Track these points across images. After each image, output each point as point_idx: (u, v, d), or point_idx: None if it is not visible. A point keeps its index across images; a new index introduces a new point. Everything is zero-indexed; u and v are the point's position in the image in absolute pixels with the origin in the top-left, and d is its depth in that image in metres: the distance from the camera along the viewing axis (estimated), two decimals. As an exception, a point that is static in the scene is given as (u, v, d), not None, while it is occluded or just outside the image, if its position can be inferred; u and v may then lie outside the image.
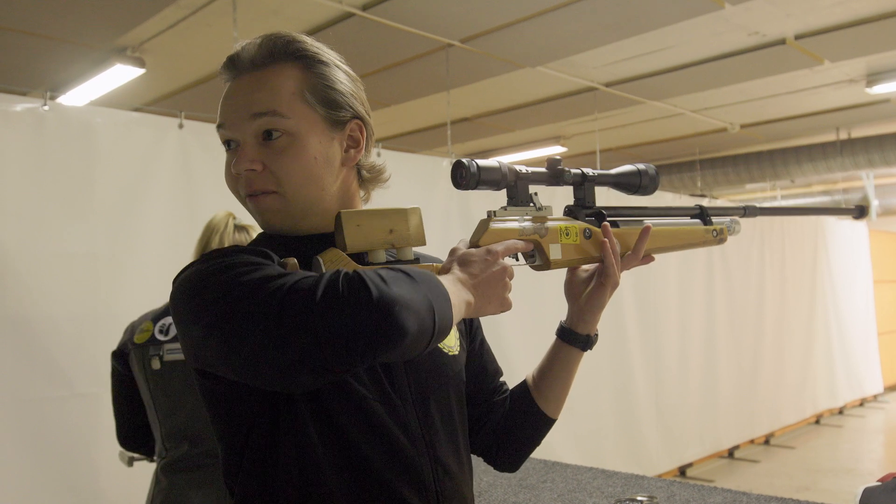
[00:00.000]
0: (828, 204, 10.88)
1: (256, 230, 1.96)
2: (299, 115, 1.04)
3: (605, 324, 1.36)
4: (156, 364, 1.98)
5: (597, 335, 1.30)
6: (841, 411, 9.43)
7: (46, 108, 2.96)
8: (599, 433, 5.51)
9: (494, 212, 1.13)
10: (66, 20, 4.35)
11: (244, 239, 2.04)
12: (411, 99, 6.06)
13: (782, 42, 5.07)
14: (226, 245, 2.01)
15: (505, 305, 1.05)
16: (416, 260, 1.06)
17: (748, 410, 7.35)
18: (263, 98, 1.03)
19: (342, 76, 1.10)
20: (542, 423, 1.31)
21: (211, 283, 0.90)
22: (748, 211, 1.41)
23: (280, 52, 1.06)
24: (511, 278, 1.06)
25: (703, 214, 1.37)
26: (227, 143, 1.08)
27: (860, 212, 1.63)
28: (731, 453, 7.27)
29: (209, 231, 2.08)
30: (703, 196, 7.37)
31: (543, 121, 7.25)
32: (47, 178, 2.93)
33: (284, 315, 0.81)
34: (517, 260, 1.16)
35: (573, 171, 1.22)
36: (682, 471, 6.57)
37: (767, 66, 5.58)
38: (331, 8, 4.25)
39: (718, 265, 6.91)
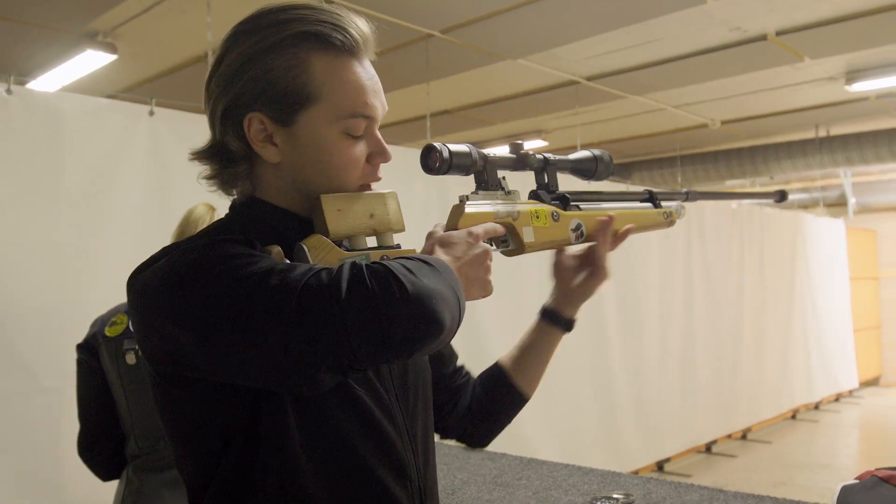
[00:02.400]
0: (806, 201, 10.97)
1: None
2: None
3: (586, 319, 1.39)
4: (131, 358, 1.91)
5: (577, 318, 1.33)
6: (817, 406, 9.51)
7: (10, 93, 2.88)
8: (579, 428, 5.51)
9: (467, 196, 1.11)
10: (36, 3, 4.24)
11: None
12: (390, 90, 5.88)
13: (763, 38, 5.07)
14: None
15: (487, 289, 1.03)
16: (398, 246, 1.04)
17: (726, 406, 7.39)
18: None
19: None
20: (518, 402, 1.32)
21: (203, 277, 0.84)
22: (690, 195, 1.47)
23: None
24: (491, 261, 1.05)
25: (652, 198, 1.42)
26: (363, 118, 1.02)
27: (781, 196, 1.70)
28: (708, 448, 7.30)
29: (191, 225, 1.99)
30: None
31: (525, 114, 7.21)
32: (10, 166, 2.85)
33: (306, 313, 0.77)
34: (492, 245, 1.14)
35: (537, 155, 1.23)
36: (661, 465, 6.59)
37: (748, 62, 5.58)
38: (308, -5, 4.17)
39: (698, 261, 6.92)
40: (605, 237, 1.25)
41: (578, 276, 1.29)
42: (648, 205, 1.41)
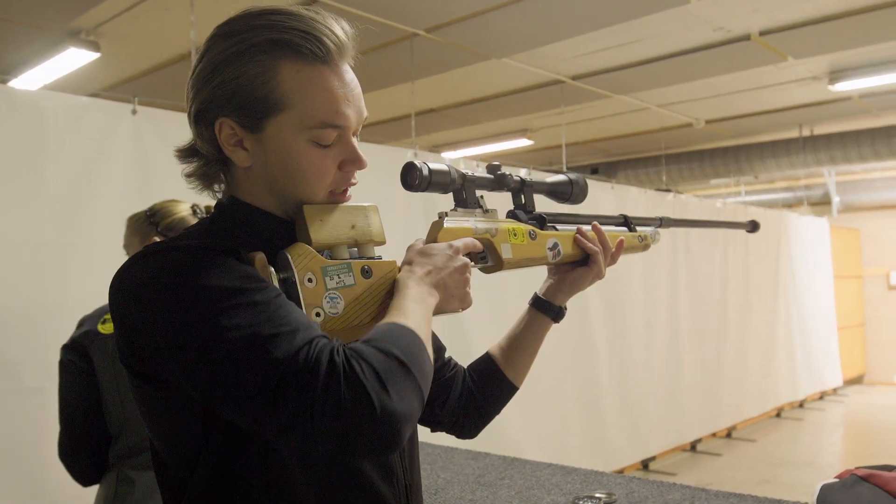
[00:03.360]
0: (790, 200, 11.04)
1: None
2: None
3: (570, 317, 1.41)
4: None
5: (566, 308, 1.36)
6: (801, 405, 9.57)
7: (-8, 91, 2.86)
8: (564, 427, 5.51)
9: (446, 212, 1.15)
10: (18, 1, 4.21)
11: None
12: (375, 89, 5.99)
13: (747, 38, 5.09)
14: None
15: (466, 302, 1.07)
16: (379, 257, 1.05)
17: (711, 404, 7.42)
18: None
19: None
20: (508, 391, 1.34)
21: (192, 310, 0.84)
22: (664, 222, 1.53)
23: None
24: (470, 274, 1.08)
25: (627, 223, 1.47)
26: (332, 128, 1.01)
27: (752, 226, 1.78)
28: (693, 446, 7.33)
29: (173, 224, 1.97)
30: (668, 191, 7.40)
31: (510, 113, 7.22)
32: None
33: (280, 405, 0.79)
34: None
35: (514, 177, 1.26)
36: (646, 464, 6.61)
37: (732, 62, 5.60)
38: (293, -6, 4.16)
39: (682, 261, 6.95)
40: (606, 254, 1.33)
41: (574, 270, 1.33)
42: (623, 229, 1.45)
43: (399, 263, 1.06)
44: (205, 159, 1.03)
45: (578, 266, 1.33)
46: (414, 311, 0.95)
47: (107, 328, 1.95)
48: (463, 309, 1.07)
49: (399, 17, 4.59)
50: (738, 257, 7.87)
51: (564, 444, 5.44)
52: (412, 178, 1.10)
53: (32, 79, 5.17)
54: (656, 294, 6.59)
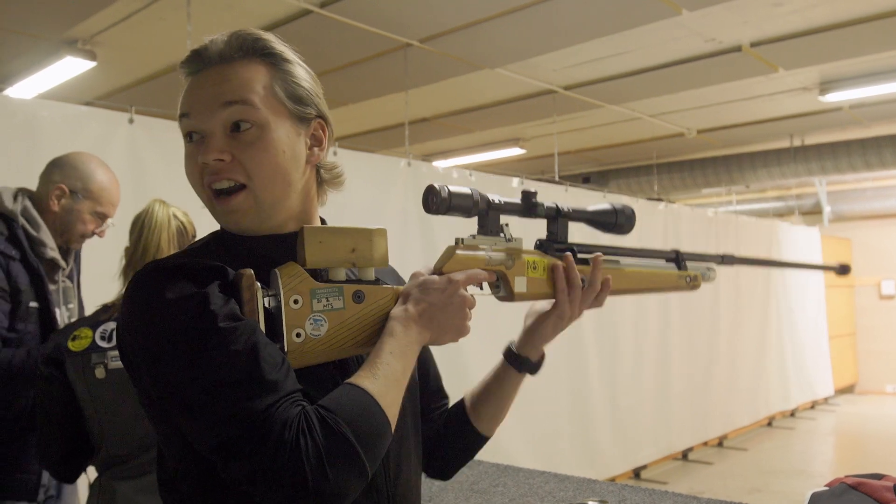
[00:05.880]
0: (781, 210, 11.09)
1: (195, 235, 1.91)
2: (269, 107, 1.03)
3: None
4: (100, 372, 1.89)
5: (543, 357, 1.29)
6: (793, 414, 9.59)
7: (-11, 100, 2.87)
8: (555, 436, 5.52)
9: (462, 239, 1.12)
10: (15, 9, 4.23)
11: (182, 243, 1.94)
12: (369, 98, 6.01)
13: (738, 49, 5.13)
14: (162, 249, 1.92)
15: (462, 333, 1.07)
16: (377, 280, 1.05)
17: (702, 413, 7.44)
18: (234, 88, 1.02)
19: (305, 75, 1.09)
20: (476, 441, 1.31)
21: (175, 337, 0.90)
22: (725, 259, 1.43)
23: (249, 48, 1.05)
24: (471, 308, 1.07)
25: (678, 259, 1.37)
26: (188, 135, 1.05)
27: (841, 270, 1.69)
28: (685, 455, 7.35)
29: (152, 230, 1.96)
30: (660, 200, 7.43)
31: (502, 122, 7.25)
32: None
33: (232, 458, 0.86)
34: (481, 289, 1.15)
35: (547, 205, 1.21)
36: (637, 473, 6.62)
37: (724, 73, 5.65)
38: (288, 4, 4.19)
39: (674, 269, 6.96)
40: (573, 295, 1.21)
41: (543, 318, 1.24)
42: (672, 265, 1.36)
43: (398, 286, 1.07)
44: None
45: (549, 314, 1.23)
46: (388, 368, 0.96)
47: (78, 345, 1.92)
48: (456, 340, 1.07)
49: (393, 28, 4.62)
50: (729, 266, 7.89)
51: (556, 454, 5.45)
52: (431, 201, 1.09)
53: (28, 87, 5.17)
54: (646, 303, 6.60)
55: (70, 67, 4.90)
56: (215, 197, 1.03)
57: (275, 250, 1.04)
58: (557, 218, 1.24)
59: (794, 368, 9.33)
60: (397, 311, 1.03)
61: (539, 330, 1.24)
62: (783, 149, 7.97)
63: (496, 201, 1.15)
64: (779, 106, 6.83)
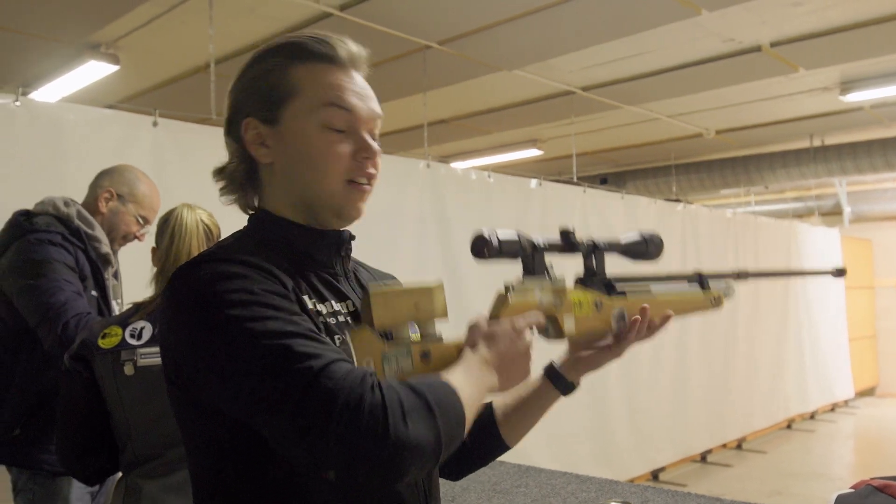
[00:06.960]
0: (800, 210, 11.02)
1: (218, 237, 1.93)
2: None
3: None
4: (129, 369, 1.91)
5: (578, 384, 1.32)
6: (812, 416, 9.52)
7: (18, 103, 2.91)
8: (573, 437, 5.51)
9: (512, 285, 1.13)
10: (39, 15, 4.28)
11: (209, 245, 1.96)
12: (388, 100, 6.03)
13: (758, 49, 5.11)
14: (193, 255, 1.94)
15: (526, 378, 1.09)
16: (440, 336, 1.07)
17: (720, 415, 7.40)
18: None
19: None
20: (498, 449, 1.31)
21: (228, 326, 0.89)
22: (740, 275, 1.45)
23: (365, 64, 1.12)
24: (533, 350, 1.09)
25: (701, 280, 1.40)
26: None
27: (838, 273, 1.67)
28: (703, 457, 7.31)
29: (183, 238, 1.99)
30: (678, 201, 7.40)
31: (520, 124, 7.25)
32: (16, 175, 2.87)
33: (300, 414, 0.83)
34: (532, 332, 1.15)
35: (585, 241, 1.24)
36: (655, 475, 6.60)
37: (743, 73, 5.62)
38: (308, 7, 4.22)
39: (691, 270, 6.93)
40: (635, 329, 1.25)
41: (594, 346, 1.28)
42: (696, 287, 1.39)
43: (459, 340, 1.07)
44: (234, 167, 1.10)
45: (600, 343, 1.28)
46: (465, 378, 0.97)
47: (108, 343, 1.94)
48: (520, 382, 1.09)
49: (412, 31, 4.64)
50: (748, 268, 7.85)
51: (574, 455, 5.44)
52: (483, 251, 1.10)
53: (53, 91, 5.23)
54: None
55: (93, 71, 4.96)
56: (361, 184, 1.07)
57: (312, 245, 1.09)
58: (594, 252, 1.26)
59: (813, 370, 9.26)
60: (466, 354, 1.03)
61: (591, 360, 1.29)
62: (803, 149, 7.92)
63: (540, 244, 1.17)
64: (799, 106, 6.79)
